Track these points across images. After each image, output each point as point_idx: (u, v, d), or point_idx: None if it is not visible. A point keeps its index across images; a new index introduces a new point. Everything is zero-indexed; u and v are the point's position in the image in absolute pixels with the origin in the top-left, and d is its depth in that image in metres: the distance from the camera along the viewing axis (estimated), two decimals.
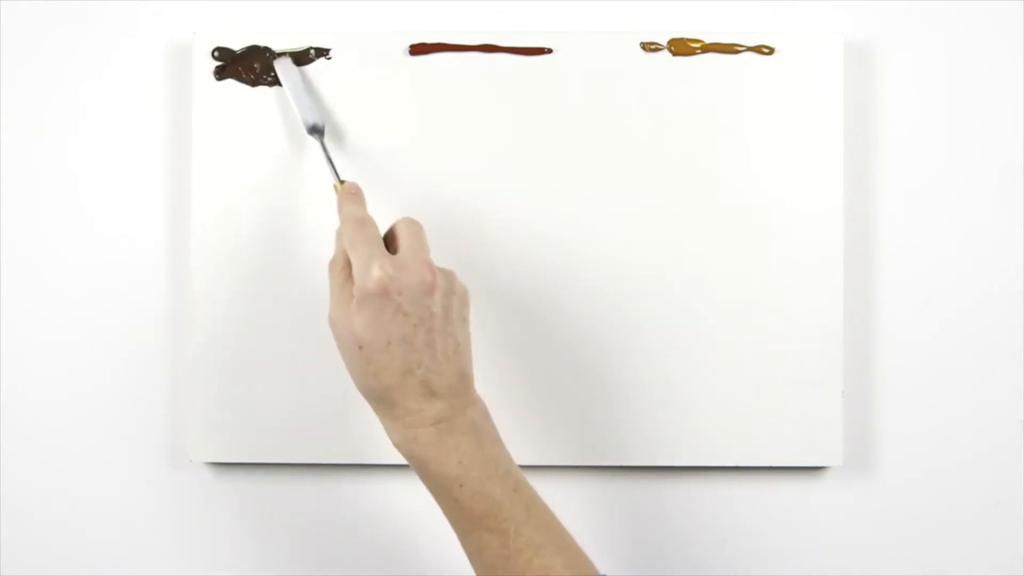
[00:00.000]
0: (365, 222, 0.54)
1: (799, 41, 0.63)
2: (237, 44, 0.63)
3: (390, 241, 0.55)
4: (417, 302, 0.51)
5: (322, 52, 0.63)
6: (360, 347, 0.51)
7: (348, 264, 0.53)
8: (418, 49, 0.63)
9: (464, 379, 0.53)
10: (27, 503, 0.65)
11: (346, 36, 0.63)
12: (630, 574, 0.64)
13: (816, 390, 0.63)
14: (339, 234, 0.54)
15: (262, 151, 0.63)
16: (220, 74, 0.63)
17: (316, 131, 0.61)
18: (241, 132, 0.63)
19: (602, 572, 0.53)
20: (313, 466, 0.64)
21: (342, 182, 0.58)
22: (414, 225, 0.55)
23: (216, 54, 0.63)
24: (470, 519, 0.52)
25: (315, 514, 0.65)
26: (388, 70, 0.63)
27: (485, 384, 0.63)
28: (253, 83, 0.63)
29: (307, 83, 0.62)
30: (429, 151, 0.63)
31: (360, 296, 0.51)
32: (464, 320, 0.54)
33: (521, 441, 0.63)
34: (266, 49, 0.63)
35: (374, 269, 0.51)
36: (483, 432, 0.53)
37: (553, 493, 0.64)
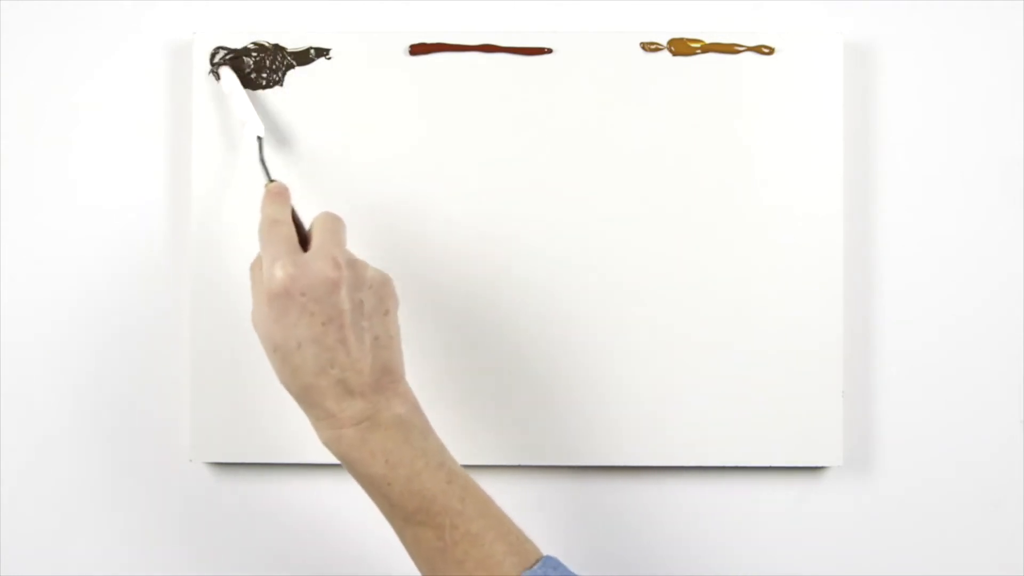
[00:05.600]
0: (278, 222, 0.53)
1: (799, 41, 0.63)
2: (237, 44, 0.63)
3: (309, 237, 0.54)
4: (322, 300, 0.50)
5: (322, 52, 0.63)
6: (275, 348, 0.51)
7: None
8: (418, 49, 0.63)
9: (388, 373, 0.52)
10: (27, 503, 0.65)
11: (346, 36, 0.63)
12: (629, 574, 0.64)
13: (816, 390, 0.63)
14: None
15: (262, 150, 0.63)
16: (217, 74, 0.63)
17: (254, 132, 0.61)
18: (241, 132, 0.63)
19: (547, 554, 0.52)
20: (313, 466, 0.64)
21: (271, 181, 0.57)
22: (329, 220, 0.54)
23: (215, 56, 0.63)
24: (402, 515, 0.52)
25: (315, 514, 0.65)
26: (388, 70, 0.63)
27: (492, 381, 0.63)
28: (254, 87, 0.63)
29: (243, 88, 0.62)
30: (429, 151, 0.63)
31: (267, 298, 0.51)
32: (386, 313, 0.53)
33: (521, 442, 0.63)
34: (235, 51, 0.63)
35: (276, 270, 0.50)
36: (410, 427, 0.52)
37: (550, 493, 0.64)
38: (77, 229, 0.65)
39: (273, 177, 0.58)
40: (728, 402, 0.63)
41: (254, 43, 0.63)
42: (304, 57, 0.63)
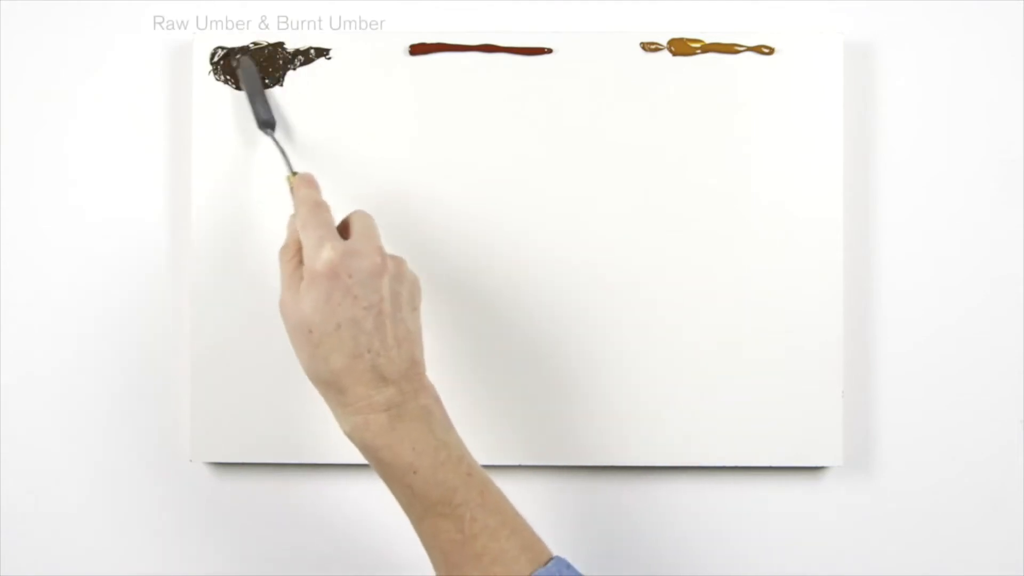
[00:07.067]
0: (319, 205, 0.54)
1: (799, 41, 0.63)
2: (237, 44, 0.63)
3: (343, 231, 0.55)
4: (367, 285, 0.51)
5: (322, 52, 0.63)
6: (310, 330, 0.51)
7: (299, 250, 0.53)
8: (418, 49, 0.63)
9: (415, 365, 0.53)
10: (27, 503, 0.65)
11: (346, 36, 0.63)
12: (629, 574, 0.64)
13: (816, 390, 0.63)
14: (292, 220, 0.55)
15: (262, 151, 0.63)
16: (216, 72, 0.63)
17: (267, 126, 0.61)
18: (241, 131, 0.63)
19: (556, 555, 0.53)
20: (313, 466, 0.64)
21: (294, 174, 0.58)
22: (366, 216, 0.55)
23: (215, 56, 0.63)
24: (423, 505, 0.52)
25: (315, 514, 0.65)
26: (388, 70, 0.63)
27: (489, 384, 0.63)
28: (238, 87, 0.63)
29: (262, 83, 0.63)
30: (429, 151, 0.63)
31: (309, 278, 0.51)
32: (414, 309, 0.54)
33: (519, 441, 0.63)
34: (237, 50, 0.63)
35: (325, 250, 0.51)
36: (434, 418, 0.53)
37: (550, 493, 0.64)
38: (77, 229, 0.65)
39: (295, 169, 0.59)
40: (728, 402, 0.63)
41: (254, 43, 0.63)
42: (304, 57, 0.63)
